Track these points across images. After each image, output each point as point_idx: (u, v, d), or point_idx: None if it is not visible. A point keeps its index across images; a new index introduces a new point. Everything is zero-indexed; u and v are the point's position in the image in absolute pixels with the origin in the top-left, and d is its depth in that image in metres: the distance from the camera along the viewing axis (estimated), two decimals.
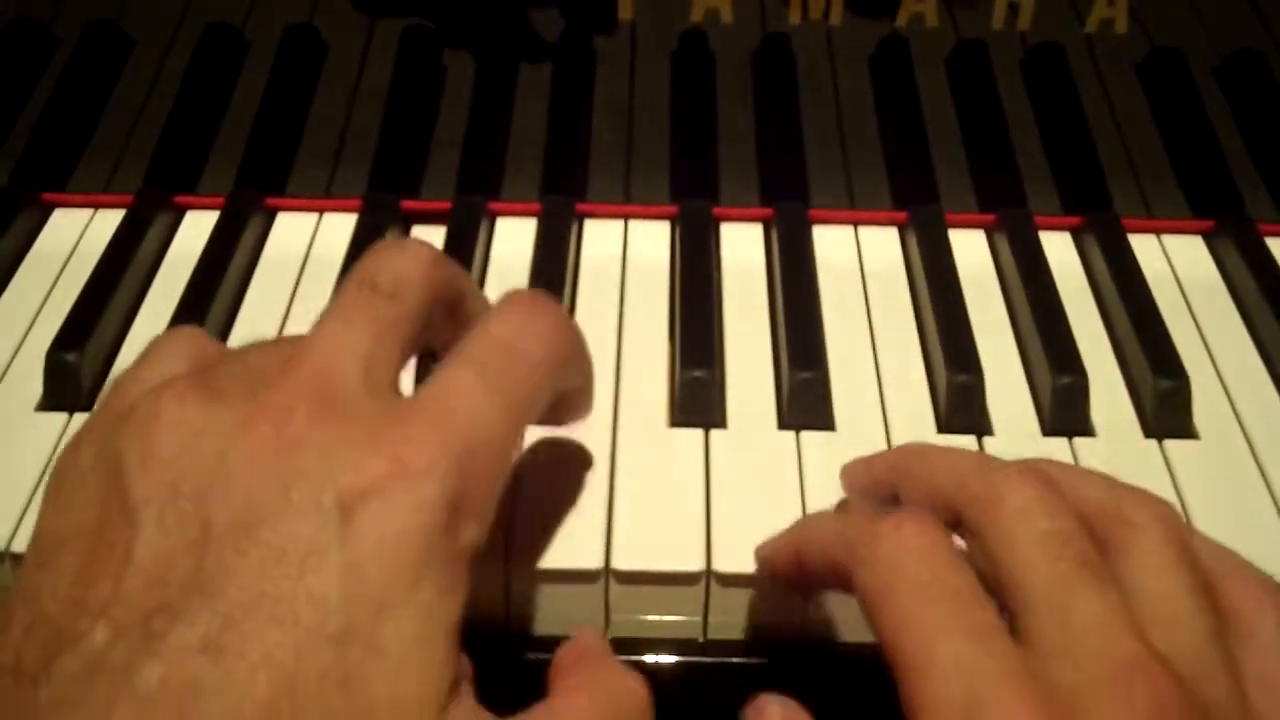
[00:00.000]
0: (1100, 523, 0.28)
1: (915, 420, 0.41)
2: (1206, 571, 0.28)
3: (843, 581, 0.28)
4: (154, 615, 0.23)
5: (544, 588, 0.35)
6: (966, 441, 0.41)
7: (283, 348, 0.29)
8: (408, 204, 0.50)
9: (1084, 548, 0.27)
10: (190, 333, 0.31)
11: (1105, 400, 0.42)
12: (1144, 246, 0.49)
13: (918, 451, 0.32)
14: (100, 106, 0.51)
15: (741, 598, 0.36)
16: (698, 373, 0.41)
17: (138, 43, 0.50)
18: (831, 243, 0.49)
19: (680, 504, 0.37)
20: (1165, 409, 0.41)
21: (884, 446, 0.40)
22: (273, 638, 0.23)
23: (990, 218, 0.51)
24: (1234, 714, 0.26)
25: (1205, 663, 0.26)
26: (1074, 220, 0.51)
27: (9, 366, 0.43)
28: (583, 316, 0.45)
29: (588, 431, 0.39)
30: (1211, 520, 0.36)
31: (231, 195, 0.50)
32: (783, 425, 0.41)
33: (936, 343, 0.43)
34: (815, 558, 0.31)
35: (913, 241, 0.49)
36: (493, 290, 0.47)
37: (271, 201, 0.51)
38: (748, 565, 0.35)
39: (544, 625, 0.36)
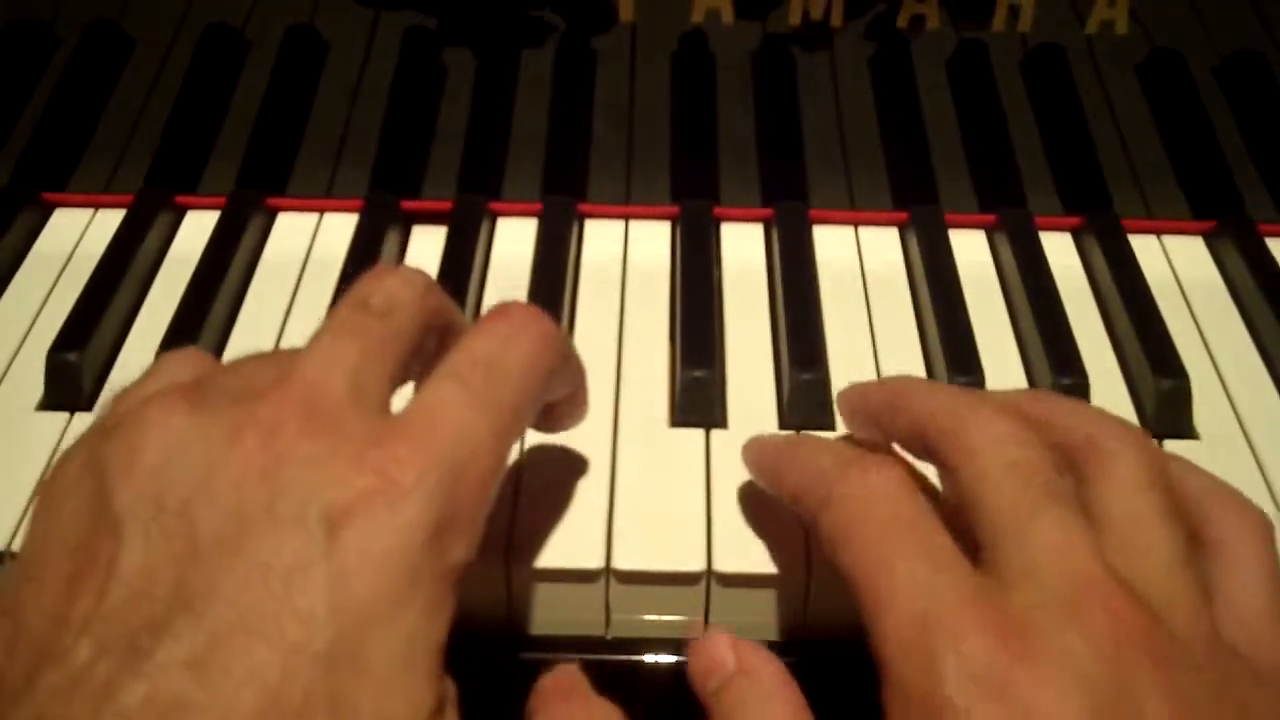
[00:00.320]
0: (1075, 452, 0.29)
1: None
2: (1187, 499, 0.29)
3: (807, 520, 0.30)
4: (138, 631, 0.23)
5: (544, 587, 0.36)
6: None
7: (275, 361, 0.29)
8: (408, 204, 0.50)
9: (1049, 476, 0.27)
10: (192, 353, 0.31)
11: (1106, 400, 0.42)
12: (1144, 247, 0.50)
13: (903, 387, 0.32)
14: (101, 106, 0.50)
15: (742, 598, 0.36)
16: (698, 373, 0.41)
17: (138, 42, 0.50)
18: (832, 243, 0.49)
19: (681, 504, 0.37)
20: (1166, 409, 0.41)
21: None
22: (258, 655, 0.22)
23: (991, 218, 0.51)
24: (1199, 638, 0.26)
25: (1172, 587, 0.26)
26: (1074, 221, 0.51)
27: (10, 366, 0.43)
28: (583, 316, 0.45)
29: (588, 431, 0.39)
30: None
31: (232, 195, 0.50)
32: (784, 425, 0.41)
33: (937, 343, 0.44)
34: (788, 488, 0.32)
35: (913, 242, 0.49)
36: (493, 290, 0.47)
37: (272, 201, 0.51)
38: (748, 565, 0.35)
39: (544, 625, 0.36)
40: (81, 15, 0.49)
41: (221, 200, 0.50)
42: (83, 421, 0.40)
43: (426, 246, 0.49)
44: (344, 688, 0.23)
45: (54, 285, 0.47)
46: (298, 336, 0.44)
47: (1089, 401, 0.41)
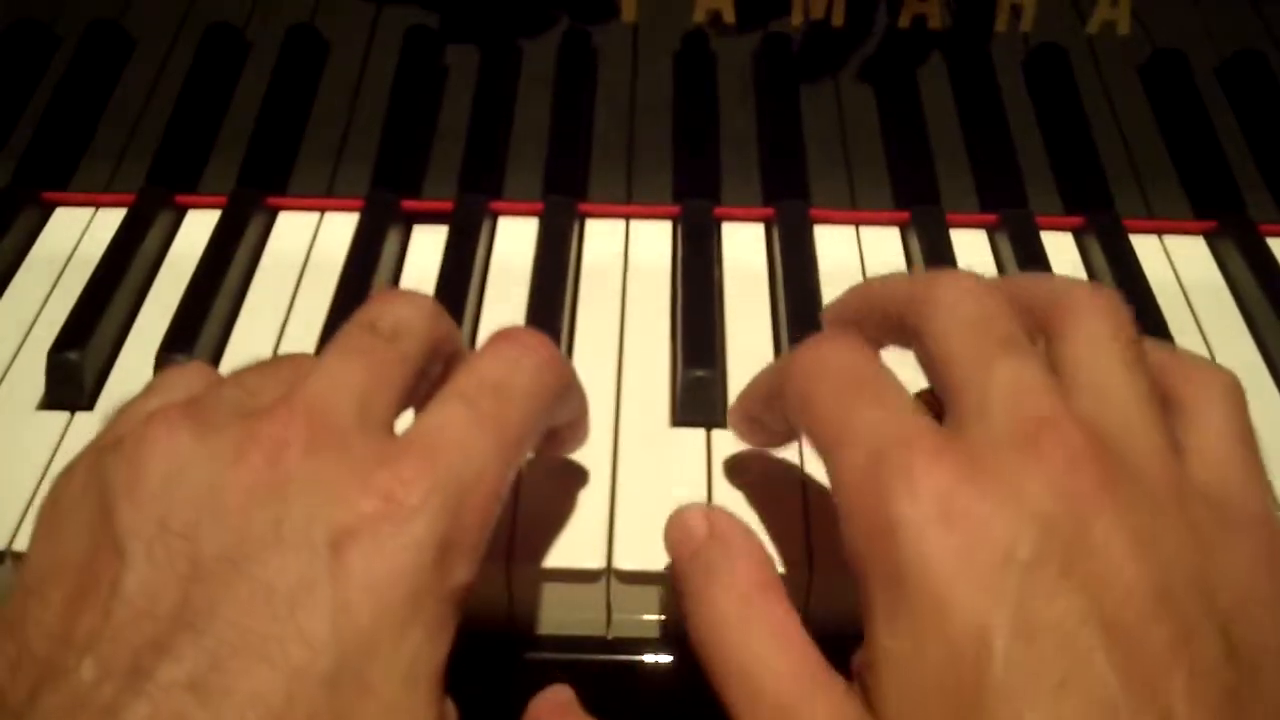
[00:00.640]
0: (1046, 313, 0.29)
1: None
2: (1158, 363, 0.29)
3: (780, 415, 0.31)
4: (141, 652, 0.22)
5: (546, 587, 0.35)
6: None
7: (280, 374, 0.28)
8: (409, 203, 0.50)
9: (1009, 328, 0.28)
10: (196, 367, 0.30)
11: None
12: (1145, 247, 0.49)
13: (875, 280, 0.33)
14: (102, 106, 0.51)
15: None
16: (700, 372, 0.41)
17: (139, 42, 0.50)
18: (833, 243, 0.49)
19: (682, 503, 0.37)
20: None
21: None
22: (261, 677, 0.22)
23: (992, 218, 0.51)
24: (1161, 476, 0.25)
25: (1135, 428, 0.26)
26: (1076, 221, 0.51)
27: (10, 366, 0.43)
28: (584, 316, 0.45)
29: (589, 431, 0.39)
30: None
31: (233, 195, 0.50)
32: None
33: None
34: (759, 391, 0.33)
35: (914, 242, 0.49)
36: (494, 289, 0.47)
37: (273, 201, 0.51)
38: None
39: (546, 625, 0.36)
40: (83, 15, 0.49)
41: (222, 200, 0.50)
42: (84, 421, 0.40)
43: (427, 246, 0.49)
44: (347, 710, 0.23)
45: (55, 284, 0.47)
46: (298, 336, 0.44)
47: None
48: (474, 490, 0.26)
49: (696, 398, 0.41)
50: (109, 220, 0.49)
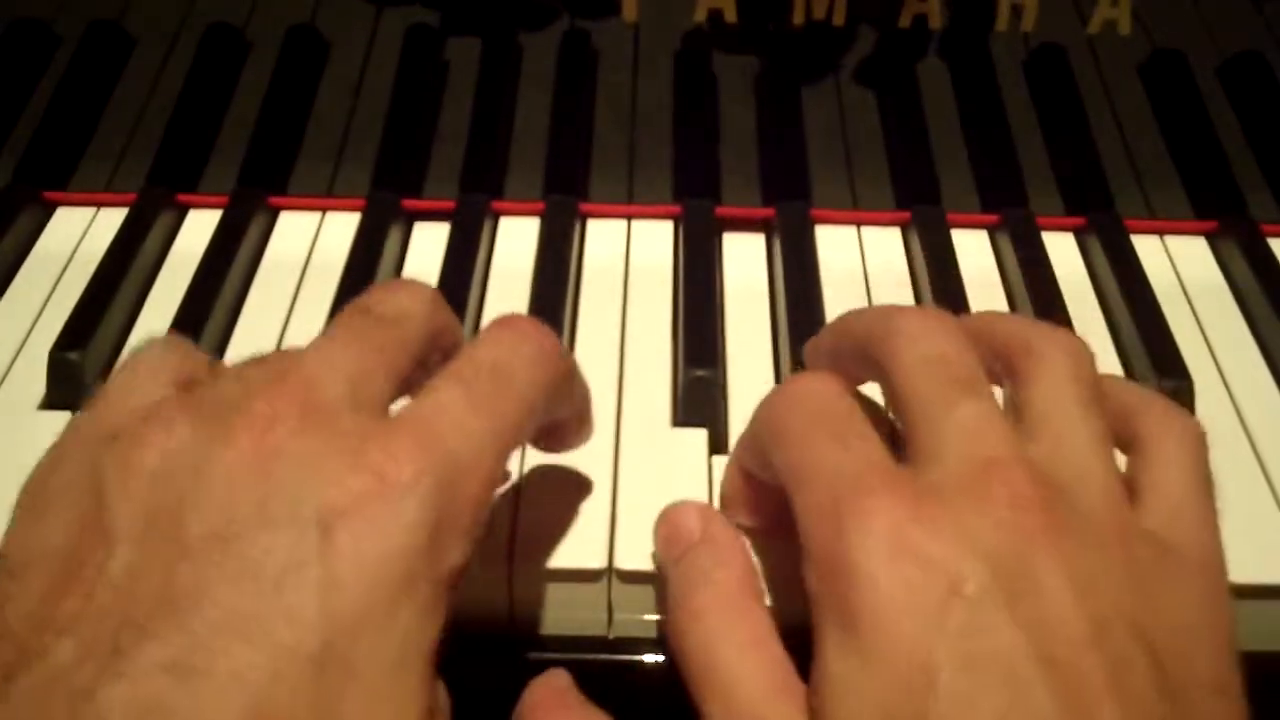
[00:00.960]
0: (1010, 357, 0.30)
1: None
2: (1120, 404, 0.30)
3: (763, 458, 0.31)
4: (121, 632, 0.22)
5: (547, 587, 0.35)
6: None
7: (275, 363, 0.28)
8: (410, 203, 0.50)
9: (967, 369, 0.28)
10: (174, 344, 0.30)
11: None
12: (1147, 247, 0.49)
13: (850, 313, 0.33)
14: (102, 105, 0.50)
15: None
16: (701, 372, 0.41)
17: (140, 42, 0.50)
18: (834, 243, 0.49)
19: None
20: None
21: None
22: (245, 657, 0.22)
23: (993, 218, 0.51)
24: (1108, 517, 0.26)
25: (1084, 468, 0.27)
26: (1077, 221, 0.51)
27: (12, 365, 0.43)
28: (585, 316, 0.45)
29: (594, 427, 0.39)
30: None
31: (234, 194, 0.50)
32: None
33: None
34: (746, 436, 0.33)
35: (915, 242, 0.49)
36: (495, 289, 0.47)
37: (274, 200, 0.51)
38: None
39: (547, 625, 0.36)
40: (83, 14, 0.49)
41: (223, 199, 0.50)
42: None
43: (428, 246, 0.49)
44: (333, 693, 0.22)
45: (56, 284, 0.47)
46: (300, 335, 0.44)
47: None
48: (468, 471, 0.25)
49: (698, 397, 0.41)
50: (110, 220, 0.49)
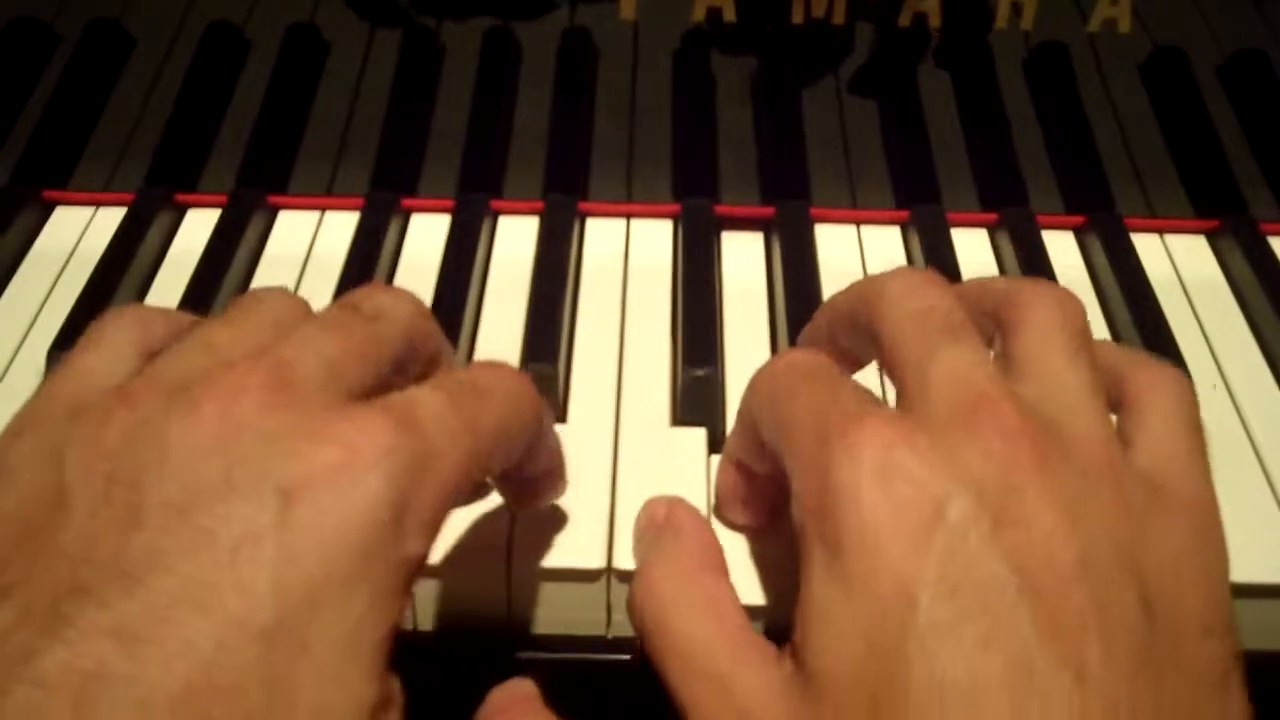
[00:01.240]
0: (999, 310, 0.30)
1: None
2: (1109, 360, 0.30)
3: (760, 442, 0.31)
4: (64, 598, 0.21)
5: (546, 586, 0.35)
6: None
7: (242, 322, 0.28)
8: (409, 202, 0.50)
9: (953, 319, 0.28)
10: (135, 314, 0.29)
11: None
12: (1147, 246, 0.49)
13: (834, 297, 0.33)
14: (102, 105, 0.50)
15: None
16: (700, 371, 0.41)
17: (139, 41, 0.50)
18: (834, 241, 0.49)
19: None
20: None
21: None
22: (194, 626, 0.21)
23: (992, 217, 0.51)
24: (1098, 455, 0.26)
25: (1072, 409, 0.27)
26: (1077, 220, 0.51)
27: (10, 364, 0.43)
28: (585, 315, 0.45)
29: (590, 430, 0.39)
30: None
31: (233, 193, 0.50)
32: None
33: None
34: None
35: (915, 241, 0.49)
36: (496, 287, 0.47)
37: (273, 200, 0.51)
38: (750, 562, 0.35)
39: (546, 625, 0.36)
40: (82, 13, 0.49)
41: (222, 199, 0.50)
42: None
43: (428, 245, 0.49)
44: (282, 670, 0.22)
45: (55, 283, 0.47)
46: None
47: None
48: (439, 461, 0.25)
49: (697, 397, 0.41)
50: (109, 219, 0.49)
